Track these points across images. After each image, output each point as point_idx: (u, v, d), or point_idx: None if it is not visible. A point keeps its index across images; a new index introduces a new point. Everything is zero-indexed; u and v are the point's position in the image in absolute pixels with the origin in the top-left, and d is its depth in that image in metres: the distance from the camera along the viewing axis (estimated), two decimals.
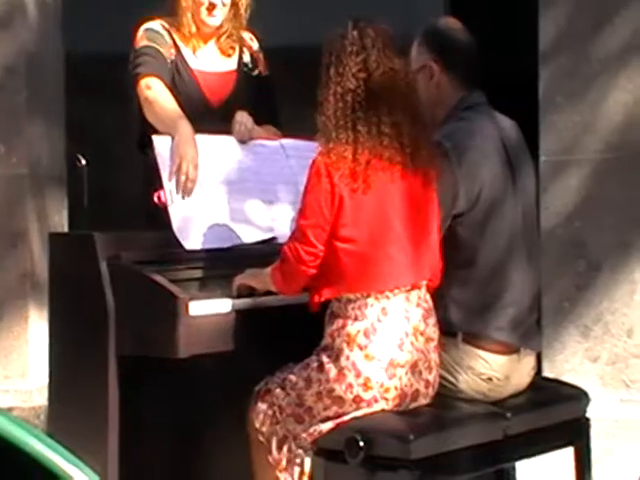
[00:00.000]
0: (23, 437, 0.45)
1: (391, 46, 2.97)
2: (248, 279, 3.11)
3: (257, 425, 3.02)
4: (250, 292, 3.10)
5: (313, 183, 2.92)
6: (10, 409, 3.85)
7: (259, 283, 3.07)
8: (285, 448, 2.97)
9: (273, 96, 3.62)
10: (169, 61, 3.46)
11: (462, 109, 3.18)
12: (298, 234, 2.94)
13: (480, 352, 3.10)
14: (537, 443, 3.22)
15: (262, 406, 3.01)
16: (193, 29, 3.47)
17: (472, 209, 3.08)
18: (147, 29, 3.46)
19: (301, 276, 2.94)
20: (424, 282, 3.01)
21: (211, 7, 3.45)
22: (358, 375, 2.89)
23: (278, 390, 3.00)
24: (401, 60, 2.99)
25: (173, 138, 3.26)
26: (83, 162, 3.23)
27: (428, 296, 3.03)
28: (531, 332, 3.24)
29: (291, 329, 3.02)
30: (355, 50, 2.94)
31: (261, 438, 3.01)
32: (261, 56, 3.62)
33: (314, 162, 2.94)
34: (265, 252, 3.22)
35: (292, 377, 2.98)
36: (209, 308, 3.01)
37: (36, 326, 4.09)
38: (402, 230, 2.95)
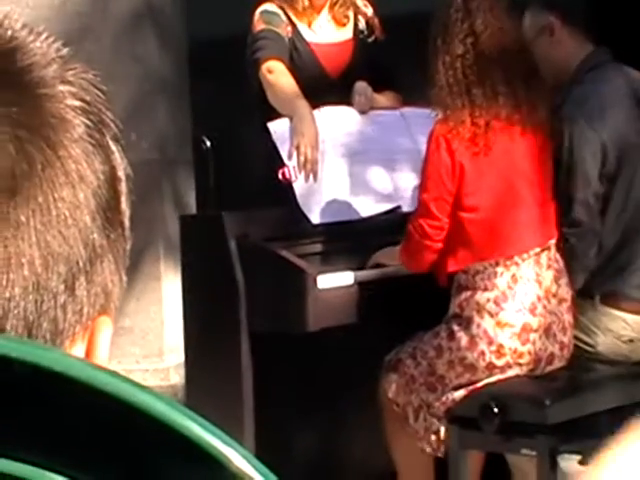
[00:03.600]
0: (183, 421, 0.46)
1: (499, 7, 2.94)
2: (383, 257, 3.10)
3: (391, 395, 3.02)
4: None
5: (432, 155, 2.89)
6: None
7: (393, 260, 3.07)
8: (421, 417, 2.96)
9: (391, 61, 3.59)
10: (286, 39, 3.47)
11: (587, 70, 3.10)
12: (421, 209, 2.91)
13: (619, 313, 3.02)
14: None
15: (394, 376, 3.01)
16: (306, 2, 3.48)
17: (605, 164, 3.02)
18: (263, 12, 3.48)
19: (428, 252, 2.91)
20: (553, 241, 2.95)
21: None
22: (490, 342, 2.85)
23: (409, 360, 2.99)
24: (511, 19, 2.94)
25: (291, 119, 3.28)
26: (208, 144, 3.27)
27: (558, 255, 2.96)
28: None
29: (416, 298, 3.00)
30: (460, 17, 2.92)
31: (396, 408, 3.01)
32: (376, 21, 3.59)
33: (432, 133, 2.91)
34: (390, 222, 3.20)
35: (422, 346, 2.97)
36: (336, 281, 3.02)
37: (171, 306, 4.18)
38: (526, 191, 2.91)
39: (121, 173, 0.63)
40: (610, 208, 3.03)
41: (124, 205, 0.63)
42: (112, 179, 0.62)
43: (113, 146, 0.63)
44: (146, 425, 0.48)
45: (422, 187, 2.93)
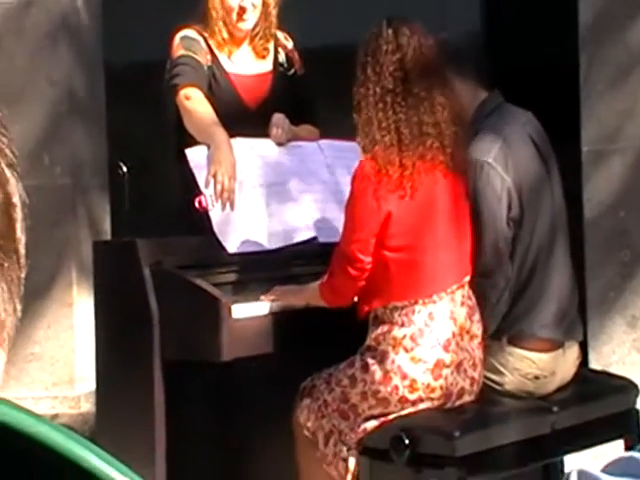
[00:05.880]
0: (81, 452, 0.45)
1: (427, 44, 2.96)
2: (286, 297, 3.08)
3: (302, 421, 3.02)
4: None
5: (358, 199, 2.86)
6: (58, 416, 3.89)
7: (299, 300, 3.05)
8: (331, 442, 2.97)
9: (310, 94, 3.62)
10: (206, 67, 3.47)
11: (485, 116, 3.17)
12: (345, 250, 2.90)
13: (526, 353, 3.09)
14: (585, 436, 3.20)
15: (307, 401, 3.02)
16: (226, 35, 3.48)
17: (511, 208, 3.08)
18: (183, 37, 3.48)
19: (350, 289, 2.93)
20: (467, 279, 2.99)
21: (241, 11, 3.46)
22: (404, 377, 2.88)
23: (323, 385, 3.00)
24: (438, 58, 2.97)
25: (209, 147, 3.28)
26: (124, 169, 3.25)
27: (471, 292, 3.01)
28: (574, 323, 3.22)
29: (333, 328, 3.02)
30: (391, 49, 2.91)
31: (307, 433, 3.01)
32: (296, 55, 3.61)
33: (360, 170, 2.89)
34: (306, 252, 3.22)
35: (337, 374, 2.98)
36: (252, 310, 3.03)
37: (83, 333, 4.13)
38: (446, 231, 2.94)
39: (16, 200, 0.62)
40: (517, 251, 3.09)
41: (19, 232, 0.62)
42: (6, 206, 0.61)
43: (8, 173, 0.61)
44: (43, 456, 0.48)
45: (346, 229, 2.92)
